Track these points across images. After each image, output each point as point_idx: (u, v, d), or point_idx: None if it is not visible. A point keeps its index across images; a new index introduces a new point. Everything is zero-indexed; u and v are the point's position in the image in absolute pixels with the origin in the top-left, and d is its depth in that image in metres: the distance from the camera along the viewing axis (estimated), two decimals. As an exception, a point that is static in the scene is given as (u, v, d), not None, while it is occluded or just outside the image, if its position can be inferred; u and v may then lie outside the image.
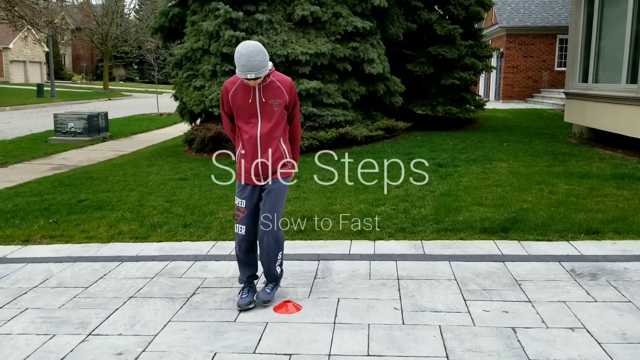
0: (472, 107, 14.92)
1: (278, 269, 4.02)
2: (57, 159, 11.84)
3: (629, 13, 9.68)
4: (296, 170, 4.11)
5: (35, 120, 21.10)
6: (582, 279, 4.28)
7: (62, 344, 3.45)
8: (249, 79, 3.60)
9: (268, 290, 4.01)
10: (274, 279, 4.06)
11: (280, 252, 3.99)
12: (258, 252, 4.02)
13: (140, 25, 48.22)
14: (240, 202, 3.93)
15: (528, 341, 3.31)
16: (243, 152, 3.88)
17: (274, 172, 3.89)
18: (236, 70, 3.62)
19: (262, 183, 3.91)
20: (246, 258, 4.02)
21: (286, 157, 3.94)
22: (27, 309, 4.02)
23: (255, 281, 4.15)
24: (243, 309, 3.87)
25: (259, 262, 4.05)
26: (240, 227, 3.93)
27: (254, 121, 3.80)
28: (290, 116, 3.96)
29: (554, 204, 6.37)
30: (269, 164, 3.84)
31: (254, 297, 3.97)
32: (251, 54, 3.52)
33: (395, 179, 7.94)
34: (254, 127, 3.79)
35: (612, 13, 10.49)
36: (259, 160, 3.83)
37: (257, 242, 3.97)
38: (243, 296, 3.95)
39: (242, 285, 4.06)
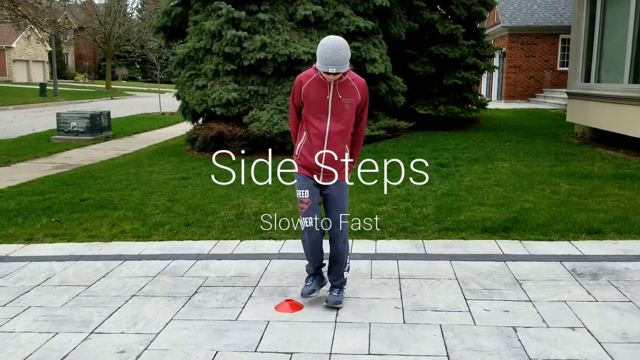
0: (474, 107, 14.93)
1: (345, 274, 3.99)
2: (59, 158, 11.86)
3: (632, 13, 9.67)
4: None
5: (38, 119, 21.14)
6: (583, 278, 4.28)
7: (65, 342, 3.46)
8: (329, 74, 3.55)
9: (335, 294, 3.92)
10: (340, 284, 3.97)
11: (348, 256, 3.98)
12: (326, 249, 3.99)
13: (143, 25, 48.26)
14: (302, 194, 3.80)
15: (529, 340, 3.32)
16: (307, 145, 3.77)
17: (336, 173, 3.82)
18: (317, 63, 3.56)
19: (321, 182, 3.82)
20: (315, 250, 3.92)
21: (347, 161, 3.87)
22: (29, 307, 4.04)
23: (323, 268, 4.08)
24: (305, 297, 3.93)
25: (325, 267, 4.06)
26: (308, 220, 3.78)
27: (324, 117, 3.71)
28: (358, 118, 3.87)
29: (555, 203, 6.37)
30: (333, 162, 3.76)
31: (323, 297, 3.95)
32: (336, 48, 3.47)
33: (397, 179, 7.93)
34: (323, 123, 3.71)
35: (614, 13, 10.49)
36: (324, 155, 3.73)
37: (329, 242, 3.93)
38: (307, 284, 3.99)
39: (308, 274, 4.07)
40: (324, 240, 3.94)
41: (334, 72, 3.51)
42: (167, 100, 25.63)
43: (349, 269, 4.04)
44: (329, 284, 4.04)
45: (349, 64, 3.62)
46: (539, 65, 25.15)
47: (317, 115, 3.73)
